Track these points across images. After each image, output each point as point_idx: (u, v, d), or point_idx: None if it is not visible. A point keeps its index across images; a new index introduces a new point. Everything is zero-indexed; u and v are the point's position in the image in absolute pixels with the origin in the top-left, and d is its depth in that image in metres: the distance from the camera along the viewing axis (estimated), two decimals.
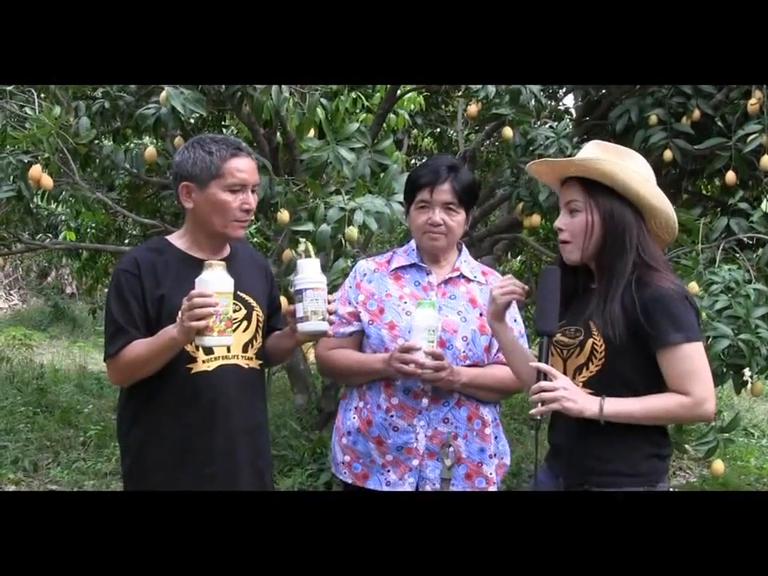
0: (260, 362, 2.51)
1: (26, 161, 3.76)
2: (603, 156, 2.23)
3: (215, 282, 2.18)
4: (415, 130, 6.24)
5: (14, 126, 3.55)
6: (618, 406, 2.15)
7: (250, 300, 2.47)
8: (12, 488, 5.12)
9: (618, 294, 2.18)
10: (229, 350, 2.40)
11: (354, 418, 2.72)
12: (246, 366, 2.45)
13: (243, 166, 2.37)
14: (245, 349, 2.45)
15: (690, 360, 2.14)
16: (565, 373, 2.27)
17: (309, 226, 3.18)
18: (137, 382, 2.37)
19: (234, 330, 2.36)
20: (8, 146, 3.76)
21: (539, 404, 2.14)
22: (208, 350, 2.36)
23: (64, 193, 4.50)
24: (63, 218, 7.37)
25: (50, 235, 7.31)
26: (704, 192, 4.86)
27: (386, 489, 2.66)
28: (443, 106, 6.72)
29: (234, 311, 2.35)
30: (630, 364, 2.19)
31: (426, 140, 6.62)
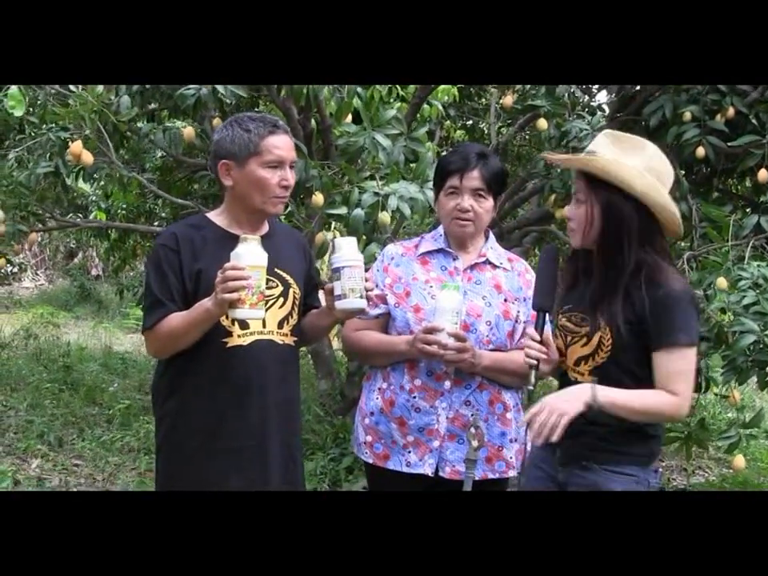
0: (295, 338, 2.55)
1: (64, 138, 3.82)
2: (609, 149, 2.31)
3: (249, 255, 2.23)
4: (448, 122, 6.25)
5: (54, 104, 3.62)
6: (612, 396, 2.24)
7: (287, 277, 2.51)
8: (37, 461, 5.19)
9: (621, 288, 2.27)
10: (264, 325, 2.44)
11: (378, 398, 2.76)
12: (281, 342, 2.49)
13: (281, 143, 2.41)
14: (280, 325, 2.48)
15: (685, 362, 2.25)
16: (565, 356, 2.43)
17: (343, 210, 3.23)
18: (173, 355, 2.43)
19: (270, 306, 2.43)
20: (47, 124, 3.83)
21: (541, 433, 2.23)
22: (243, 325, 2.41)
23: (99, 172, 4.53)
24: (93, 198, 7.48)
25: (80, 215, 7.41)
26: (734, 191, 4.85)
27: (405, 470, 2.69)
28: (476, 99, 6.74)
29: (271, 288, 2.41)
30: (634, 358, 2.30)
31: (458, 132, 6.63)
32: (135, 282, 8.59)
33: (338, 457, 5.06)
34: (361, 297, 2.38)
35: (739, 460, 3.24)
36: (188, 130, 3.88)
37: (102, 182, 6.42)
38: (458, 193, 2.70)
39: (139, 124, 4.34)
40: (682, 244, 4.12)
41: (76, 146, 3.59)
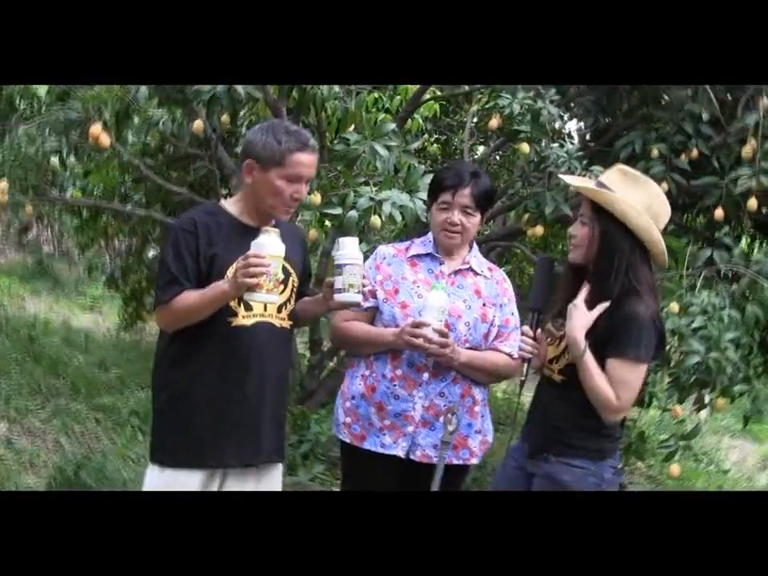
0: (290, 322, 2.79)
1: (74, 118, 4.00)
2: (617, 183, 2.65)
3: (270, 245, 2.46)
4: (425, 135, 6.53)
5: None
6: (591, 363, 2.59)
7: (288, 267, 2.72)
8: (5, 425, 5.33)
9: (603, 307, 2.60)
10: (266, 308, 2.66)
11: (360, 384, 3.00)
12: (279, 325, 2.72)
13: (305, 161, 2.62)
14: (279, 309, 2.71)
15: (631, 374, 2.60)
16: (546, 357, 2.81)
17: (338, 210, 3.48)
18: (180, 329, 2.64)
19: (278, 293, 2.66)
20: (63, 101, 3.99)
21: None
22: (248, 307, 2.63)
23: (96, 155, 4.68)
24: (68, 175, 7.59)
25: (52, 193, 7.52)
26: (689, 225, 5.19)
27: (380, 450, 2.94)
28: (452, 115, 7.02)
29: None
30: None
31: (433, 146, 6.91)
32: (101, 263, 8.66)
33: (296, 444, 5.27)
34: (358, 292, 2.65)
35: (675, 468, 3.56)
36: (197, 123, 4.04)
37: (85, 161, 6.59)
38: (450, 208, 2.97)
39: (149, 112, 4.50)
40: None
41: (95, 129, 3.74)
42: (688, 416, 3.82)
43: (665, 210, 2.69)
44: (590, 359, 2.60)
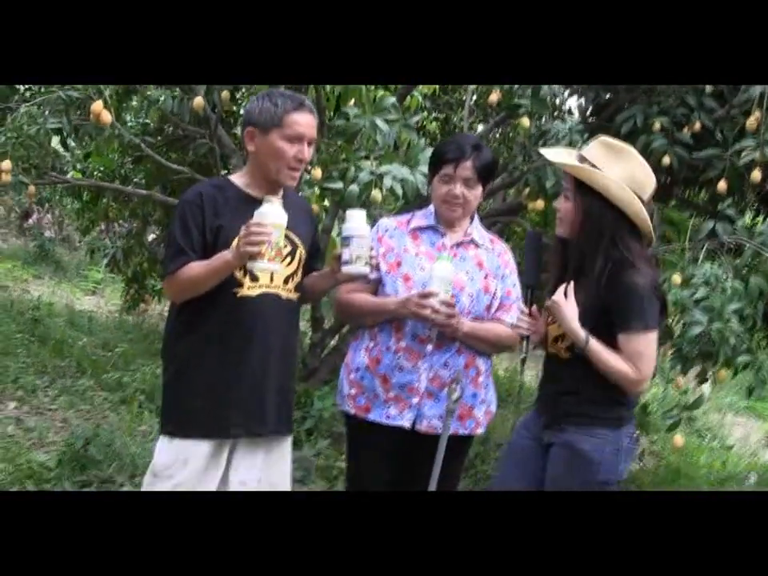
0: (297, 294, 2.80)
1: (75, 97, 4.00)
2: (597, 157, 2.66)
3: (271, 214, 2.48)
4: (425, 113, 6.52)
5: None
6: (597, 346, 2.62)
7: (296, 239, 2.75)
8: (14, 404, 5.37)
9: (593, 279, 2.63)
10: (272, 279, 2.68)
11: (364, 356, 3.01)
12: (285, 297, 2.74)
13: (303, 120, 2.64)
14: (286, 281, 2.73)
15: (643, 344, 2.62)
16: (547, 335, 2.81)
17: (339, 185, 3.49)
18: (187, 301, 2.66)
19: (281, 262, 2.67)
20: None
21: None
22: (254, 278, 2.65)
23: (97, 134, 4.68)
24: (69, 159, 7.60)
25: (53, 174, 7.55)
26: (691, 200, 5.19)
27: (385, 421, 2.96)
28: (452, 93, 7.01)
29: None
30: (603, 340, 2.64)
31: (432, 123, 6.91)
32: (103, 245, 8.68)
33: (299, 420, 5.31)
34: (365, 264, 2.67)
35: (678, 439, 3.58)
36: (197, 100, 4.03)
37: (85, 143, 6.60)
38: (452, 180, 2.96)
39: (149, 91, 4.50)
40: None
41: (97, 106, 3.75)
42: (691, 389, 3.82)
43: (649, 180, 2.70)
44: (595, 345, 2.62)
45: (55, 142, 4.60)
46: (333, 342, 6.13)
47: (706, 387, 9.58)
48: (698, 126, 4.38)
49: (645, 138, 4.38)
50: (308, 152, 2.70)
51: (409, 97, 5.52)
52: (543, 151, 2.98)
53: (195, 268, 2.60)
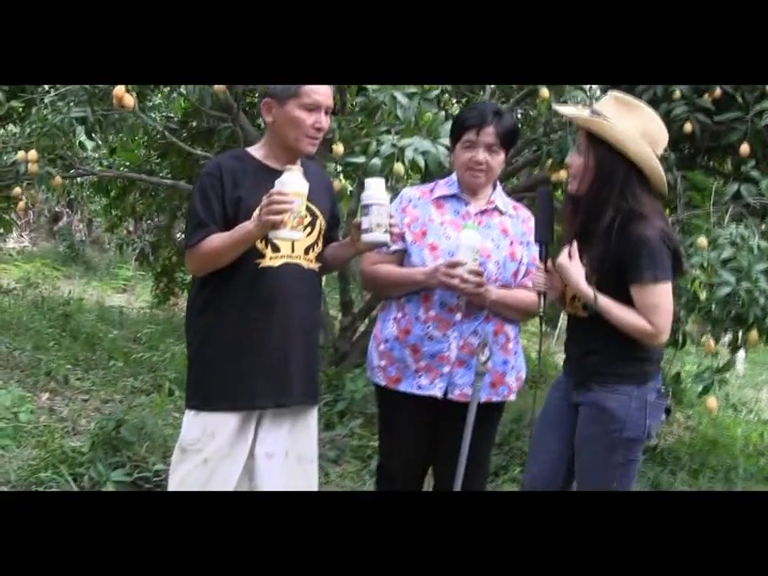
0: (318, 264, 2.81)
1: (98, 87, 4.05)
2: (612, 110, 2.66)
3: (293, 183, 2.49)
4: (446, 95, 6.53)
5: None
6: (607, 301, 2.64)
7: (315, 210, 2.77)
8: (47, 395, 5.46)
9: (600, 231, 2.64)
10: (293, 250, 2.70)
11: (393, 327, 3.02)
12: (306, 267, 2.75)
13: (319, 89, 2.66)
14: (306, 251, 2.75)
15: (656, 296, 2.62)
16: (564, 294, 2.83)
17: (361, 159, 3.51)
18: (209, 274, 2.68)
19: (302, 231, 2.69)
20: None
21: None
22: (275, 248, 2.67)
23: (120, 122, 4.73)
24: (96, 156, 7.69)
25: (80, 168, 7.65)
26: (715, 168, 5.16)
27: (417, 392, 2.97)
28: None
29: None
30: (616, 293, 2.64)
31: (454, 106, 6.91)
32: (131, 241, 8.79)
33: (331, 402, 5.36)
34: (385, 232, 2.67)
35: (712, 401, 3.56)
36: (218, 86, 4.06)
37: (111, 137, 6.68)
38: (474, 146, 2.96)
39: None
40: (667, 212, 4.41)
41: (119, 90, 3.78)
42: (723, 354, 3.80)
43: (662, 135, 2.70)
44: (604, 302, 2.62)
45: (80, 134, 4.64)
46: (362, 327, 6.16)
47: (740, 361, 9.55)
48: (718, 92, 4.35)
49: (665, 105, 4.36)
50: (326, 120, 2.71)
51: None
52: (556, 107, 2.99)
53: (217, 240, 2.61)
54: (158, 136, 5.85)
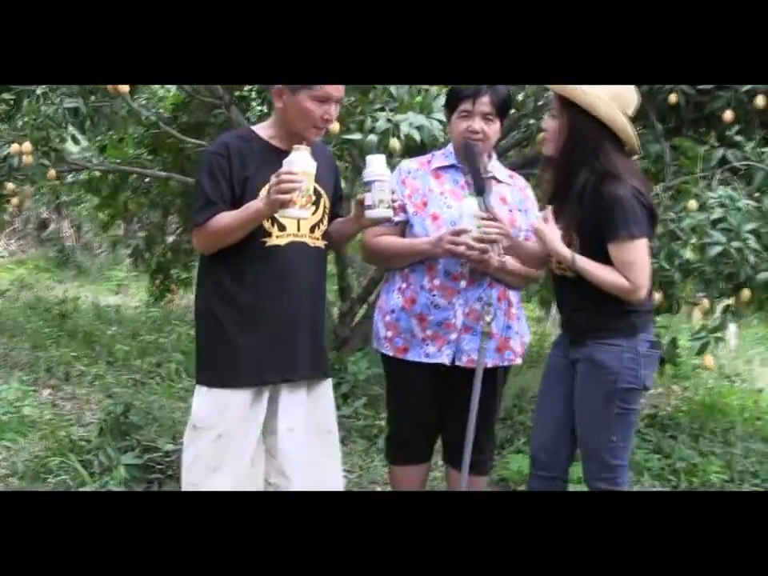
0: (324, 242, 2.87)
1: None
2: None
3: (301, 162, 2.55)
4: None
5: None
6: (585, 260, 2.75)
7: (320, 188, 2.80)
8: (48, 391, 5.51)
9: (575, 193, 2.75)
10: (299, 228, 2.76)
11: (398, 297, 3.10)
12: (312, 245, 2.81)
13: None
14: (312, 230, 2.80)
15: (632, 253, 2.73)
16: (551, 258, 2.91)
17: (357, 136, 3.59)
18: (216, 252, 2.73)
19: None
20: None
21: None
22: (281, 227, 2.72)
23: (111, 116, 4.75)
24: (86, 155, 7.71)
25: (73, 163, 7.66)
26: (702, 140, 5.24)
27: (425, 360, 3.06)
28: None
29: None
30: (594, 252, 2.75)
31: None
32: (124, 240, 8.82)
33: (335, 385, 5.37)
34: (388, 207, 2.73)
35: (708, 359, 3.66)
36: None
37: (101, 136, 6.71)
38: (470, 116, 3.03)
39: None
40: (657, 180, 4.48)
41: None
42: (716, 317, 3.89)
43: (632, 96, 2.81)
44: (582, 261, 2.73)
45: (72, 128, 4.68)
46: (362, 311, 6.23)
47: (733, 336, 9.67)
48: None
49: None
50: (334, 111, 2.75)
51: None
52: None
53: (225, 218, 2.66)
54: (151, 127, 5.88)
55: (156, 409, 4.18)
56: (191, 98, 5.60)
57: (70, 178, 7.32)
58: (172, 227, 8.55)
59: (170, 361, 5.89)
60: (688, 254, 3.61)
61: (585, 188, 2.72)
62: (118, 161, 7.47)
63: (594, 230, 2.73)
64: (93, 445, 4.05)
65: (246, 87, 6.50)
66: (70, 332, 7.15)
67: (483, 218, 2.87)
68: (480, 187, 2.91)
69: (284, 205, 2.53)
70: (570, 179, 2.77)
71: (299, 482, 2.79)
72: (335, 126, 3.62)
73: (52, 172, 4.64)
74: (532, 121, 4.90)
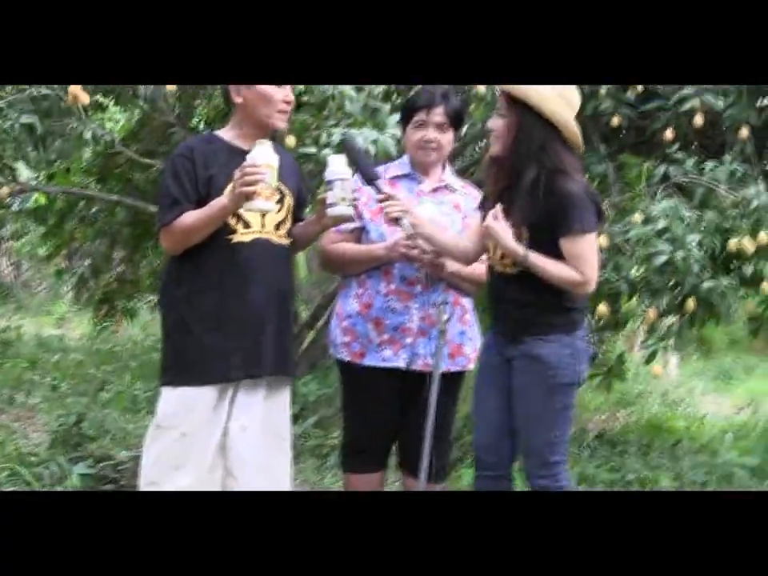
0: (289, 240, 2.92)
1: (44, 93, 4.09)
2: None
3: (264, 156, 2.63)
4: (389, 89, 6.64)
5: None
6: (538, 258, 2.78)
7: (283, 187, 2.86)
8: None
9: (525, 189, 2.80)
10: (263, 226, 2.81)
11: (355, 303, 3.15)
12: (277, 242, 2.86)
13: None
14: (277, 227, 2.85)
15: (584, 246, 2.80)
16: (493, 253, 2.94)
17: (313, 149, 3.66)
18: (182, 252, 2.77)
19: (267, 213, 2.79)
20: None
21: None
22: (246, 224, 2.77)
23: (67, 135, 4.73)
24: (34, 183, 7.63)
25: (18, 198, 7.58)
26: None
27: (381, 364, 3.10)
28: None
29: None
30: (543, 246, 2.80)
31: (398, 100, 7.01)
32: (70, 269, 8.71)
33: None
34: (349, 205, 2.81)
35: (657, 368, 3.78)
36: (169, 87, 4.10)
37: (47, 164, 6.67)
38: (424, 125, 3.13)
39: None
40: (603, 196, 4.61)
41: (74, 87, 3.83)
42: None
43: (576, 96, 2.89)
44: (534, 257, 2.77)
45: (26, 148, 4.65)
46: (310, 336, 6.25)
47: (674, 367, 9.91)
48: (640, 88, 4.59)
49: (594, 101, 4.58)
50: (291, 94, 2.86)
51: None
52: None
53: (191, 216, 2.71)
54: (108, 147, 5.86)
55: (109, 420, 4.13)
56: (141, 126, 5.59)
57: (15, 207, 7.26)
58: (117, 258, 8.50)
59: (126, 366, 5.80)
60: (633, 268, 3.73)
61: (535, 184, 2.78)
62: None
63: (546, 225, 2.79)
64: (44, 456, 4.00)
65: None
66: (13, 357, 7.03)
67: (381, 199, 2.93)
68: (368, 174, 2.95)
69: (249, 197, 2.59)
70: (519, 176, 2.82)
71: (247, 482, 2.79)
72: (291, 141, 3.70)
73: (5, 190, 4.59)
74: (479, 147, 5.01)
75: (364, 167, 2.96)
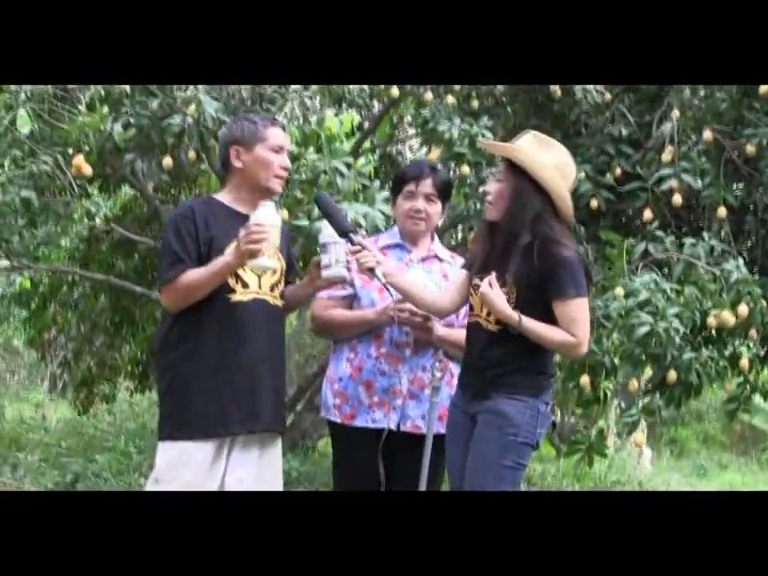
0: (282, 302, 3.03)
1: (42, 170, 4.19)
2: (528, 145, 2.96)
3: (268, 216, 2.77)
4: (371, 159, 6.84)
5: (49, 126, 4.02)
6: (532, 323, 2.85)
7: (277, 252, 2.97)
8: None
9: (518, 253, 2.88)
10: (260, 287, 2.92)
11: (346, 366, 3.23)
12: (272, 303, 2.97)
13: (280, 134, 2.99)
14: (272, 288, 2.96)
15: (578, 310, 2.88)
16: (480, 310, 3.00)
17: (305, 222, 3.78)
18: (182, 311, 2.86)
19: (264, 274, 2.91)
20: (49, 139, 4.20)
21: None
22: (244, 284, 2.88)
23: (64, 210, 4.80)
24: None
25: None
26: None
27: (371, 425, 3.16)
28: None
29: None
30: (536, 313, 2.87)
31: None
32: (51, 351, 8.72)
33: None
34: (343, 267, 2.93)
35: (639, 437, 3.83)
36: (167, 159, 4.17)
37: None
38: (414, 196, 3.27)
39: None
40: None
41: (78, 159, 3.95)
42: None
43: (573, 170, 3.01)
44: (528, 322, 2.84)
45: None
46: (299, 406, 6.30)
47: (647, 460, 9.95)
48: (618, 171, 4.77)
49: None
50: (288, 161, 3.00)
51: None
52: (481, 142, 3.31)
53: (194, 274, 2.82)
54: (91, 230, 5.96)
55: (105, 485, 4.11)
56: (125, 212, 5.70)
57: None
58: (98, 343, 8.52)
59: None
60: (615, 338, 3.83)
61: (528, 249, 2.87)
62: (50, 273, 7.55)
63: (537, 288, 2.87)
64: None
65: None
66: None
67: (354, 251, 2.96)
68: (341, 227, 2.98)
69: (253, 255, 2.71)
70: (515, 241, 2.90)
71: None
72: (284, 213, 3.82)
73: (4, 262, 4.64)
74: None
75: (336, 220, 3.01)
